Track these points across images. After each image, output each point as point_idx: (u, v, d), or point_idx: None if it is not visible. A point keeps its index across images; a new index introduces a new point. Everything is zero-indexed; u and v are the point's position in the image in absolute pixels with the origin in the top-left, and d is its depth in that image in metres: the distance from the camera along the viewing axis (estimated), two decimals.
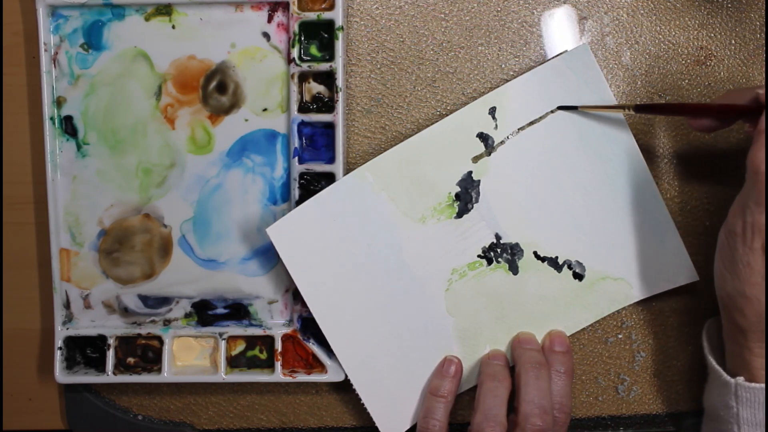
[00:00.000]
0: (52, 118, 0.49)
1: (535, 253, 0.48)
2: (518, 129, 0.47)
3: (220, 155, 0.49)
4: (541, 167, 0.47)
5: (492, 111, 0.47)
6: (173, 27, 0.48)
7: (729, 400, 0.42)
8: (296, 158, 0.48)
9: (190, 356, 0.50)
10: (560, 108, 0.46)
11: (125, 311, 0.50)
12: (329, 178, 0.48)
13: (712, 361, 0.44)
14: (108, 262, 0.50)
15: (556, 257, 0.48)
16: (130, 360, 0.50)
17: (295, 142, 0.48)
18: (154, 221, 0.50)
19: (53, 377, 0.49)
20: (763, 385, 0.41)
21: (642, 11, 0.49)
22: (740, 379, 0.42)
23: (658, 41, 0.49)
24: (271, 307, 0.50)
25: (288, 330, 0.49)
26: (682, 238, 0.48)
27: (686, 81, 0.49)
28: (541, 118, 0.47)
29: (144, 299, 0.50)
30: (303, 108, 0.48)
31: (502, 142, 0.47)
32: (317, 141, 0.48)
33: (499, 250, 0.48)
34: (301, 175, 0.48)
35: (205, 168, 0.49)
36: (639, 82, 0.49)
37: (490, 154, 0.47)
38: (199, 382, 0.50)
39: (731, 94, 0.44)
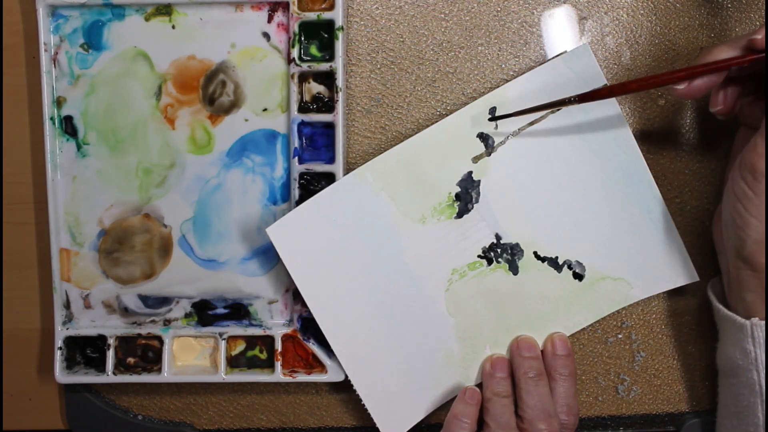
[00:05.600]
0: (52, 118, 0.49)
1: (535, 253, 0.48)
2: (518, 129, 0.47)
3: (220, 155, 0.49)
4: (541, 167, 0.47)
5: (492, 111, 0.47)
6: (173, 27, 0.48)
7: (746, 345, 0.42)
8: (296, 158, 0.48)
9: (190, 356, 0.50)
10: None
11: (125, 311, 0.50)
12: (329, 178, 0.48)
13: (724, 309, 0.44)
14: (108, 262, 0.50)
15: (556, 257, 0.48)
16: (130, 360, 0.50)
17: (295, 142, 0.48)
18: (154, 221, 0.50)
19: (53, 377, 0.49)
20: None
21: (642, 11, 0.49)
22: (755, 320, 0.42)
23: (658, 41, 0.49)
24: (271, 307, 0.50)
25: (288, 330, 0.49)
26: (682, 238, 0.48)
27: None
28: (541, 118, 0.47)
29: (144, 299, 0.50)
30: (303, 108, 0.48)
31: (502, 143, 0.47)
32: (317, 141, 0.48)
33: (499, 250, 0.48)
34: (301, 175, 0.48)
35: (205, 168, 0.49)
36: None
37: (490, 155, 0.47)
38: (199, 382, 0.50)
39: (712, 52, 0.41)
